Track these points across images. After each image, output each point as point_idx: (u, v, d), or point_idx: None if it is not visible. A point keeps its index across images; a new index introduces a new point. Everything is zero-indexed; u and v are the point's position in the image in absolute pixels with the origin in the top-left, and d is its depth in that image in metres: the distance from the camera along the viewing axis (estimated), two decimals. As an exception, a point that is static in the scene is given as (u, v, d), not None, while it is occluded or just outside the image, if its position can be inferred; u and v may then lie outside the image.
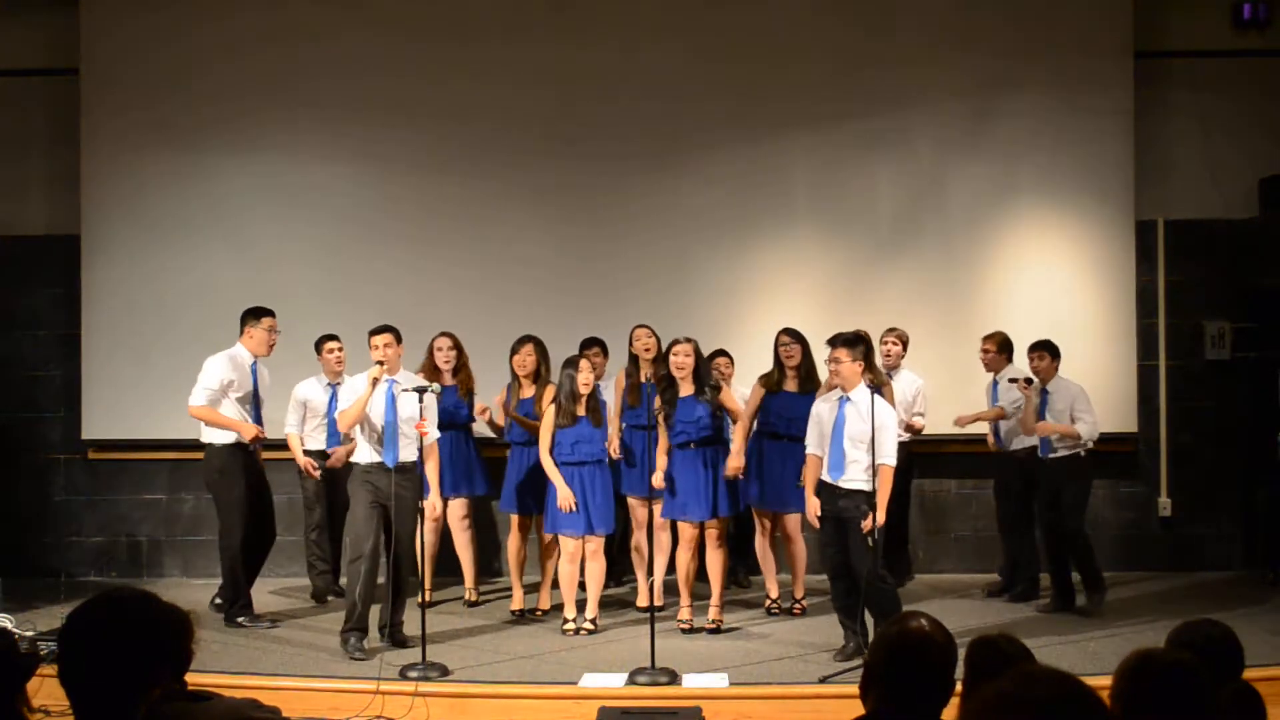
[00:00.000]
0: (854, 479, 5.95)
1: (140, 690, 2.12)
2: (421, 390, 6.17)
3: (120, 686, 2.12)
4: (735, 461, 6.81)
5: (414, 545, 6.35)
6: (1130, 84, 8.36)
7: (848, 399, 6.03)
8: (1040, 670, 1.95)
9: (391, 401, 6.33)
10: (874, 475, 5.91)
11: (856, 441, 5.94)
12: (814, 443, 6.20)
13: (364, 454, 6.41)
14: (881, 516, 5.89)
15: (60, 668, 2.15)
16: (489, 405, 7.39)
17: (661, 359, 7.08)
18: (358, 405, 6.29)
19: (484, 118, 8.37)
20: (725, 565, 6.86)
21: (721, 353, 7.55)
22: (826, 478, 6.06)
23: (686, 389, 6.73)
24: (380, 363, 6.30)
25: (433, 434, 6.39)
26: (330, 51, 8.42)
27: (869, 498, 5.89)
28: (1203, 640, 3.12)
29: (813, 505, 6.18)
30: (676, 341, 6.79)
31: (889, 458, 5.94)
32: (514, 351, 7.20)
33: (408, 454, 6.32)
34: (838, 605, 6.20)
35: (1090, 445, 7.15)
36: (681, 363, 6.71)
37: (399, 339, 6.41)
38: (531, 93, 8.38)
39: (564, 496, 6.56)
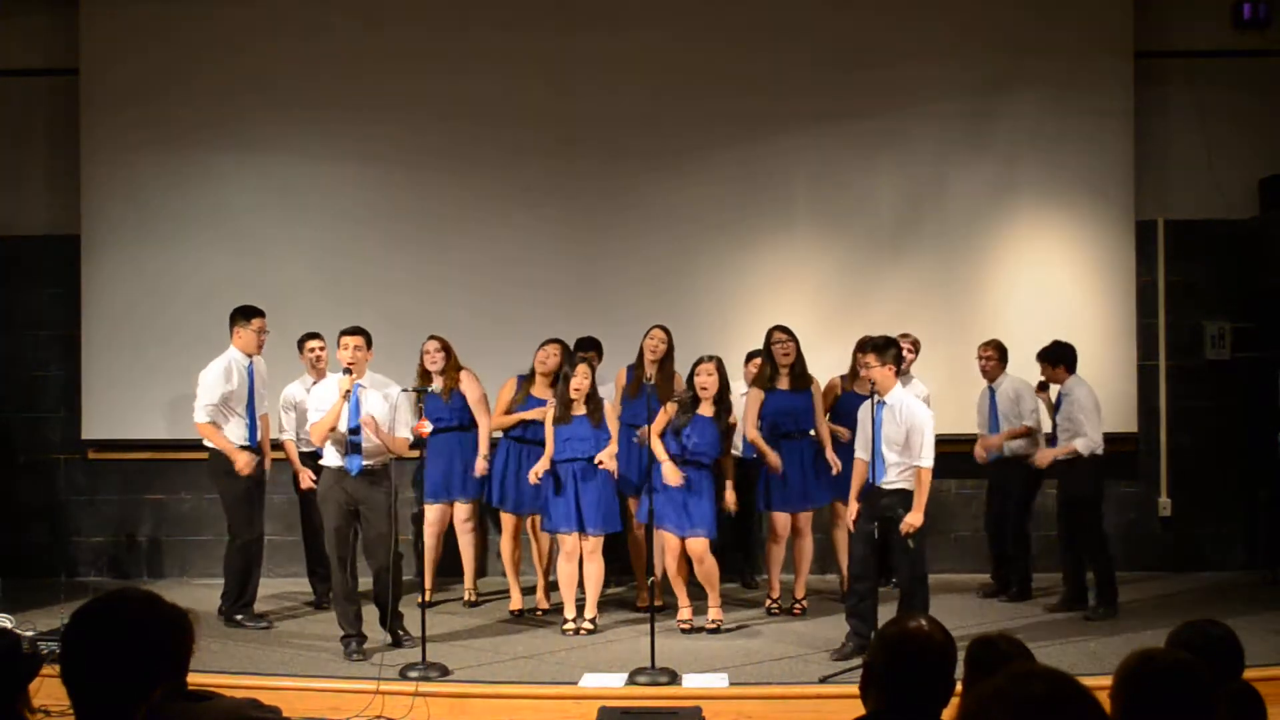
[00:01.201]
0: (895, 480, 6.05)
1: (141, 690, 2.13)
2: (421, 391, 6.16)
3: (122, 686, 2.12)
4: (774, 460, 6.93)
5: (392, 547, 6.25)
6: (1130, 84, 8.36)
7: (884, 403, 6.08)
8: (1036, 668, 1.95)
9: (356, 406, 6.24)
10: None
11: (893, 444, 6.03)
12: (861, 447, 6.29)
13: (332, 457, 6.33)
14: (919, 518, 5.96)
15: (62, 667, 2.15)
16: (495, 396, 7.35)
17: (668, 362, 7.10)
18: (330, 417, 6.21)
19: (484, 117, 8.36)
20: (717, 572, 6.77)
21: (759, 354, 7.38)
22: (872, 480, 6.14)
23: (707, 409, 6.65)
24: (349, 371, 6.22)
25: (406, 435, 6.33)
26: (330, 51, 8.42)
27: (909, 497, 5.99)
28: (1203, 640, 3.12)
29: (852, 509, 6.27)
30: (701, 360, 6.71)
31: (924, 460, 6.00)
32: (540, 349, 7.19)
33: (376, 458, 6.28)
34: (851, 605, 6.22)
35: (1098, 451, 7.06)
36: (705, 383, 6.62)
37: (369, 342, 6.33)
38: (532, 92, 8.38)
39: (540, 466, 6.61)
